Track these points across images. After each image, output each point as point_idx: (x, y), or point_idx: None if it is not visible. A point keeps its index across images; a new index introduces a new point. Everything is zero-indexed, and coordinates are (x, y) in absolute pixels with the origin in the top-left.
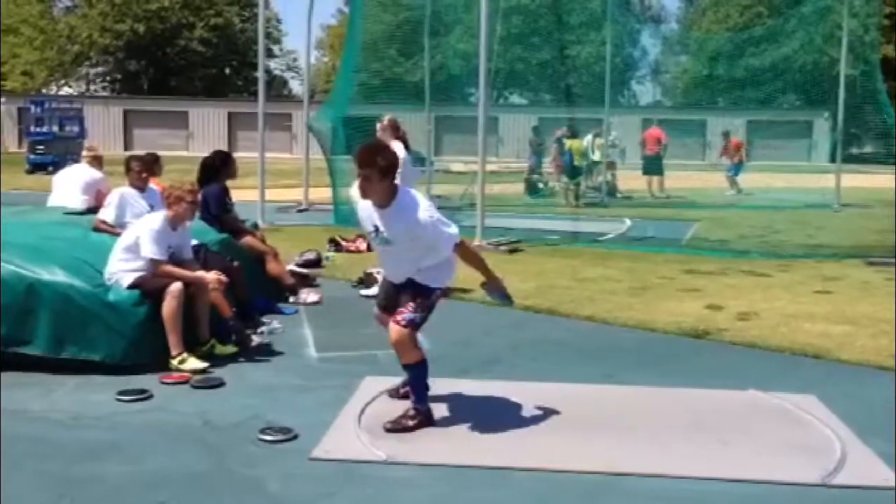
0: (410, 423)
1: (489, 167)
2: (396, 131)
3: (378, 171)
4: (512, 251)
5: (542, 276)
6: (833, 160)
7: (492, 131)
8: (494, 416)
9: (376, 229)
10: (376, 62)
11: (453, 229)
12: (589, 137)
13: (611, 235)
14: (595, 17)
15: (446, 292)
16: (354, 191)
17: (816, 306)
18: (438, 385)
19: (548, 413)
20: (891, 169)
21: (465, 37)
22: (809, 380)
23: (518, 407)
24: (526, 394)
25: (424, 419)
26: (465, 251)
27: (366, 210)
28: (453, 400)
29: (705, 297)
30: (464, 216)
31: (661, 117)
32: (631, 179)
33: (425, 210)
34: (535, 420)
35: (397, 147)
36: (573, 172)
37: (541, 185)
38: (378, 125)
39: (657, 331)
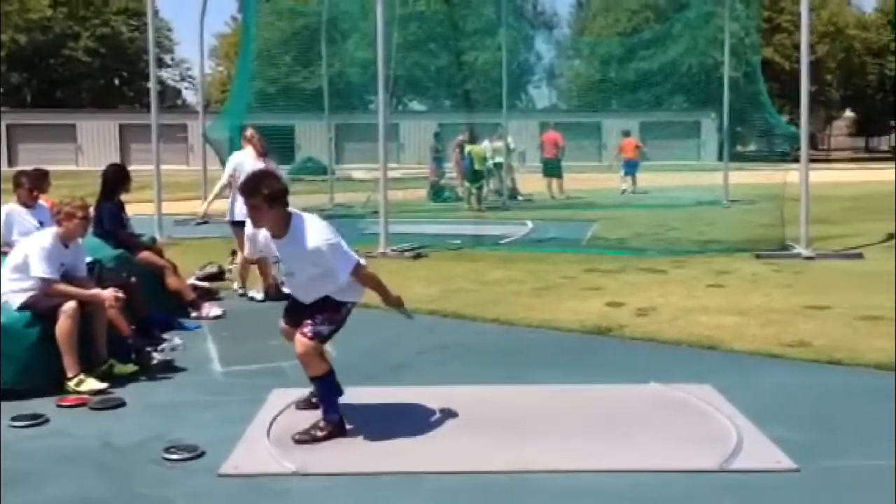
0: (320, 433)
1: (391, 174)
2: (254, 142)
3: (264, 200)
4: (416, 257)
5: (446, 281)
6: (721, 158)
7: (393, 138)
8: (403, 421)
9: (277, 260)
10: (272, 70)
11: (352, 255)
12: (486, 143)
13: (513, 238)
14: (490, 24)
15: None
16: (248, 228)
17: (710, 299)
18: (346, 394)
19: (455, 416)
20: (774, 165)
21: (363, 44)
22: (706, 370)
23: (426, 411)
24: (433, 398)
25: (335, 429)
26: (363, 277)
27: (265, 238)
28: (361, 408)
29: (606, 295)
30: (367, 223)
31: (557, 121)
32: (531, 182)
33: (322, 236)
34: (443, 423)
35: (248, 157)
36: (474, 177)
37: (445, 191)
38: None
39: (561, 329)
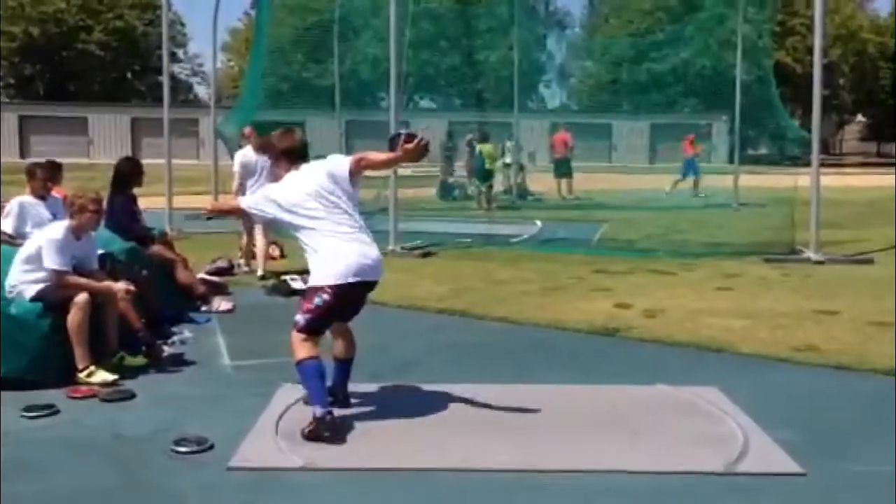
0: (306, 430)
1: (401, 171)
2: (258, 141)
3: (282, 156)
4: (425, 255)
5: (455, 279)
6: (731, 161)
7: None
8: (410, 418)
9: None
10: (284, 66)
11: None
12: (507, 143)
13: (523, 237)
14: (502, 23)
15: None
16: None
17: (718, 302)
18: (353, 390)
19: (462, 414)
20: (785, 169)
21: (375, 41)
22: (713, 372)
23: (434, 409)
24: (441, 396)
25: (317, 425)
26: (366, 162)
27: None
28: (370, 404)
29: (614, 296)
30: (377, 221)
31: (568, 121)
32: (542, 182)
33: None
34: (451, 421)
35: (250, 154)
36: (485, 176)
37: (456, 189)
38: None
39: (568, 329)
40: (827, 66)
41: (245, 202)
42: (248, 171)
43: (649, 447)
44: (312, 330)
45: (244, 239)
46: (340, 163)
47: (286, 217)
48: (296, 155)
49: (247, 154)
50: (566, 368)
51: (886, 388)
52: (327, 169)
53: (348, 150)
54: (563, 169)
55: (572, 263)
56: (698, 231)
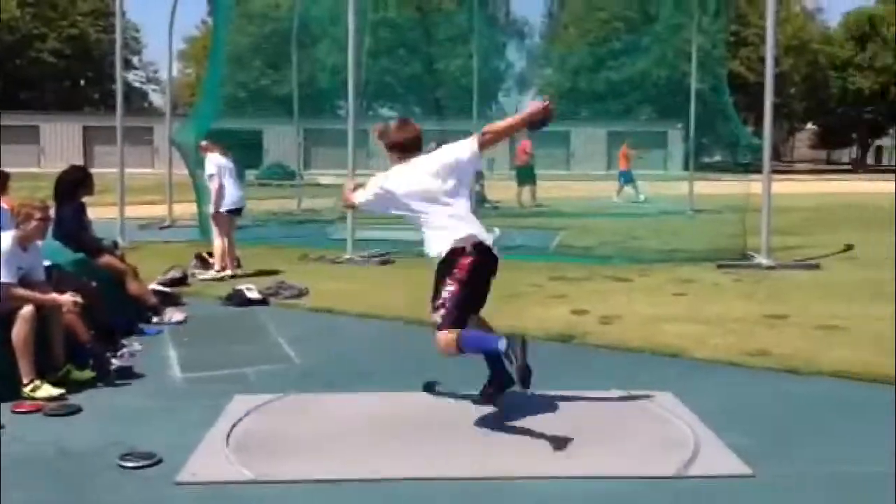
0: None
1: (360, 179)
2: (215, 148)
3: (395, 147)
4: (383, 263)
5: (413, 288)
6: (686, 168)
7: (362, 144)
8: (365, 428)
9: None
10: (242, 74)
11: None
12: None
13: None
14: (462, 31)
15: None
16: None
17: (673, 308)
18: (306, 400)
19: (418, 422)
20: (738, 176)
21: (334, 49)
22: (668, 378)
23: (389, 418)
24: (397, 405)
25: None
26: (493, 133)
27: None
28: (322, 415)
29: (571, 303)
30: (335, 229)
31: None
32: (499, 189)
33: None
34: (405, 430)
35: (214, 158)
36: None
37: None
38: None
39: (526, 337)
40: (779, 75)
41: (359, 198)
42: (225, 172)
43: (604, 452)
44: (456, 319)
45: (218, 243)
46: (463, 146)
47: (405, 204)
48: (411, 147)
49: (215, 158)
50: None
51: (835, 391)
52: (452, 156)
53: (306, 159)
54: (525, 176)
55: (530, 271)
56: (654, 237)
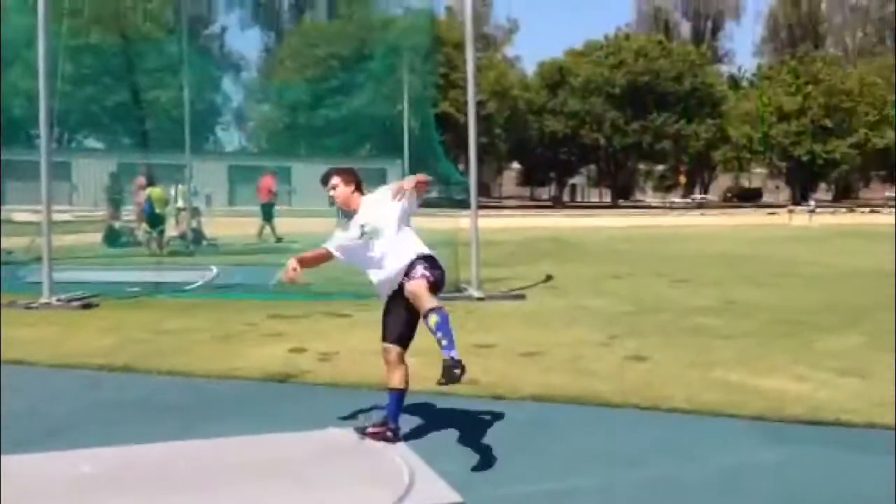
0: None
1: (61, 216)
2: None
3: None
4: (86, 306)
5: (119, 331)
6: None
7: (64, 177)
8: (57, 492)
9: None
10: None
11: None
12: (178, 186)
13: (196, 284)
14: (172, 61)
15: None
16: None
17: None
18: None
19: (119, 479)
20: (449, 211)
21: (27, 74)
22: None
23: (85, 478)
24: (95, 462)
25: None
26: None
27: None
28: (9, 480)
29: (289, 341)
30: (30, 271)
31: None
32: (218, 226)
33: None
34: (104, 489)
35: None
36: (155, 221)
37: (123, 235)
38: None
39: (241, 378)
40: (484, 117)
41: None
42: None
43: (318, 492)
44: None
45: None
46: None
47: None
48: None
49: None
50: (239, 419)
51: (536, 413)
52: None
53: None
54: (267, 213)
55: (247, 309)
56: None
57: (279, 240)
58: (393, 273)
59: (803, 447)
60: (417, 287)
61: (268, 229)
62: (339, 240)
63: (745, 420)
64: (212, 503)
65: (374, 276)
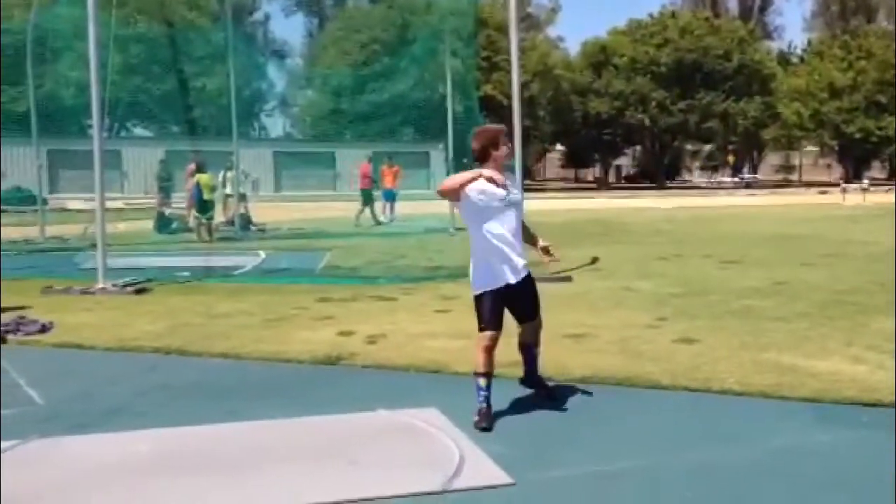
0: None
1: (113, 204)
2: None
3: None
4: (139, 291)
5: (172, 316)
6: None
7: (114, 166)
8: (117, 471)
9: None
10: None
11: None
12: (222, 172)
13: (245, 269)
14: (218, 50)
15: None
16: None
17: (436, 324)
18: (47, 446)
19: (176, 459)
20: None
21: (78, 65)
22: (432, 393)
23: (144, 457)
24: (152, 442)
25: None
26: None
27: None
28: (70, 460)
29: (338, 324)
30: (84, 257)
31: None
32: (265, 211)
33: None
34: (161, 469)
35: None
36: (204, 207)
37: (173, 222)
38: None
39: (291, 361)
40: (527, 99)
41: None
42: None
43: (368, 474)
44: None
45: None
46: None
47: None
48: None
49: None
50: (288, 401)
51: (585, 397)
52: None
53: (52, 182)
54: (368, 197)
55: (296, 293)
56: (418, 255)
57: (378, 223)
58: (522, 251)
59: (857, 430)
60: None
61: (367, 212)
62: (481, 184)
63: (798, 402)
64: (262, 485)
65: (505, 243)
